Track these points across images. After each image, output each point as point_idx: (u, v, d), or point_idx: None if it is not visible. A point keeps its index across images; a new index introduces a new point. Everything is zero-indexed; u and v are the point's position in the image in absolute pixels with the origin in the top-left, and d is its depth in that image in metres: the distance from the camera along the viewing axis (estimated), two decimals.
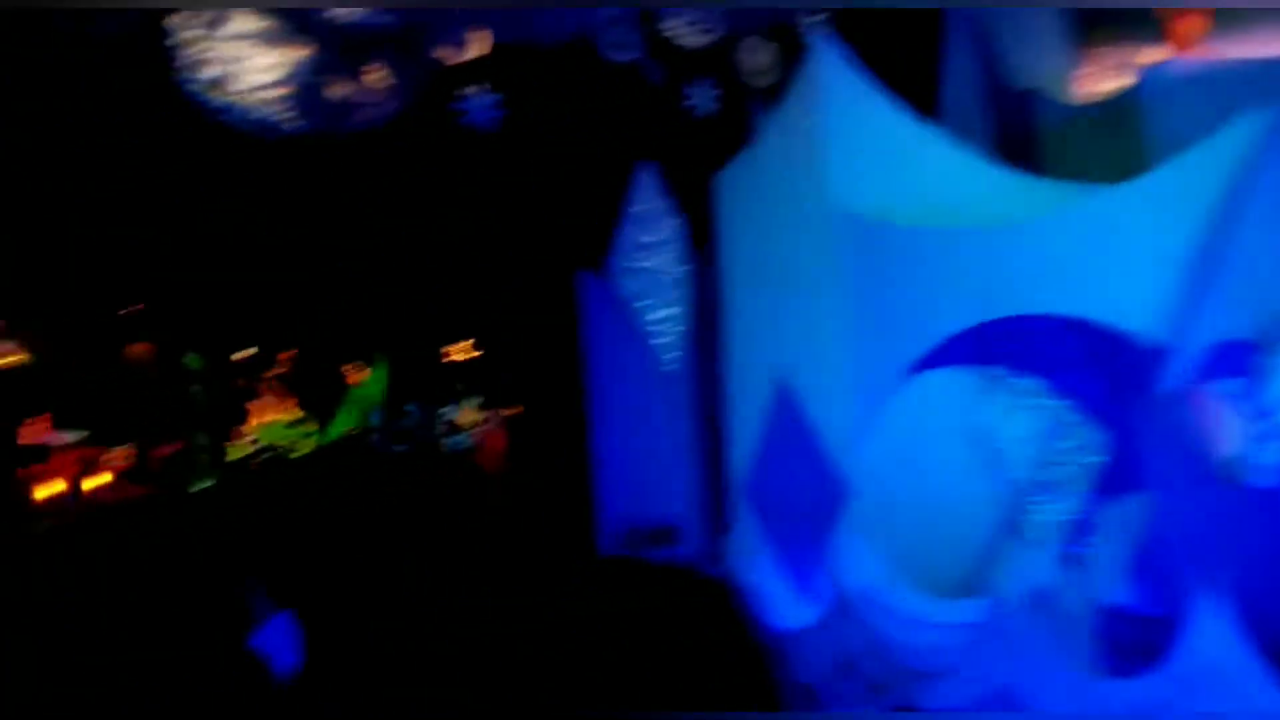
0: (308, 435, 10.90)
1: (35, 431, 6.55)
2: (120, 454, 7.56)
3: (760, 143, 5.02)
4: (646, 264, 5.21)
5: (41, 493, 6.14)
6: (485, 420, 9.63)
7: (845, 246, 4.46)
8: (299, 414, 10.98)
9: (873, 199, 4.45)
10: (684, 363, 5.34)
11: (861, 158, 4.49)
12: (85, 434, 7.00)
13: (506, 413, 8.34)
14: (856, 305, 4.44)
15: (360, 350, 10.58)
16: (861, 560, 4.32)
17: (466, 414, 10.43)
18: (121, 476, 7.19)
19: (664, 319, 5.25)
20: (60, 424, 6.87)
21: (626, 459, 5.41)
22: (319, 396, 11.03)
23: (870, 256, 4.44)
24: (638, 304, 5.25)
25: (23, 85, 4.78)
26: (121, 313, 7.79)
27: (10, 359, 6.55)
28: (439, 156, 5.10)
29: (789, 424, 4.64)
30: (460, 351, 10.03)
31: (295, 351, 10.48)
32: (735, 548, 4.92)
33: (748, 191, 5.05)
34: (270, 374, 10.55)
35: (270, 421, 10.65)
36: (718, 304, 5.14)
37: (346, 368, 10.83)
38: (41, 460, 6.33)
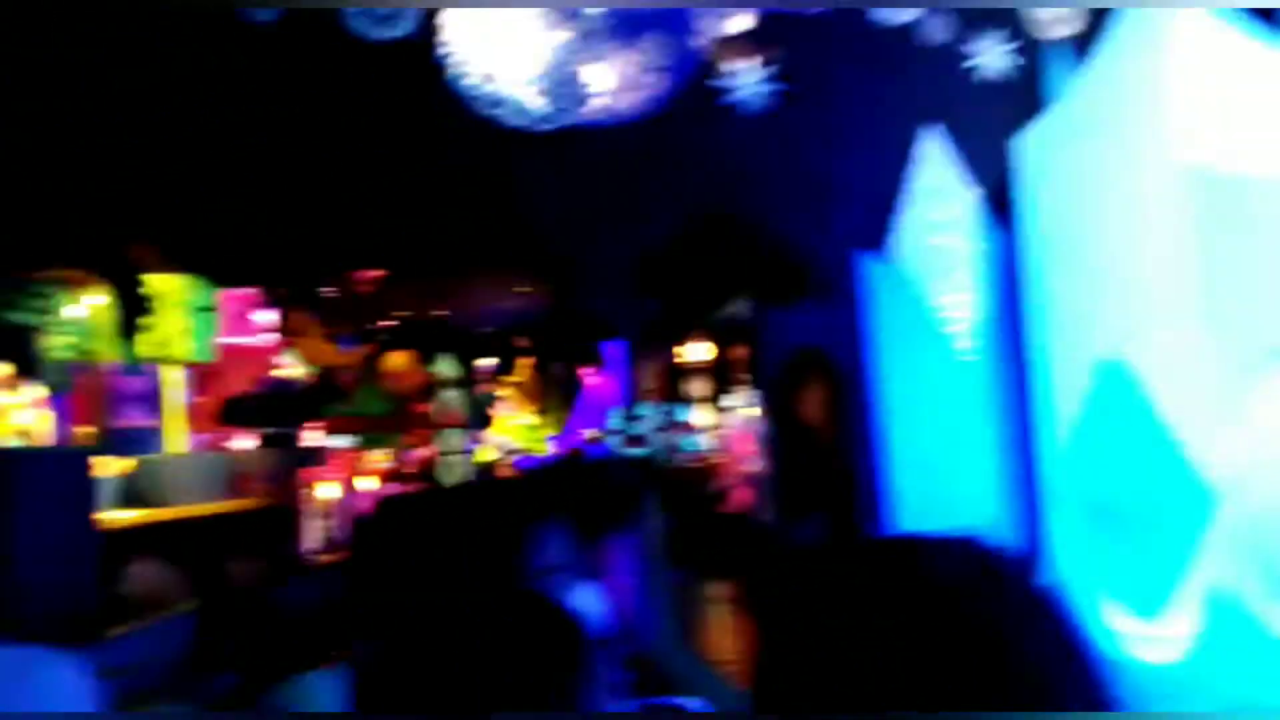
0: (546, 438, 11.00)
1: (314, 438, 6.87)
2: (383, 456, 7.84)
3: (1069, 97, 4.38)
4: (937, 242, 4.66)
5: (323, 493, 6.43)
6: (727, 421, 9.31)
7: (1193, 205, 3.77)
8: (538, 419, 11.09)
9: (1228, 145, 3.75)
10: (983, 352, 4.75)
11: (1211, 98, 3.79)
12: (357, 440, 7.31)
13: (754, 413, 7.97)
14: (1210, 274, 3.74)
15: (596, 350, 10.54)
16: (1238, 584, 3.60)
17: (703, 414, 10.14)
18: (387, 479, 7.43)
19: (958, 303, 4.68)
20: (332, 431, 7.17)
21: (915, 463, 4.89)
22: (556, 400, 11.09)
23: (1226, 214, 3.74)
24: (928, 287, 4.72)
25: (296, 93, 4.86)
26: (380, 324, 8.12)
27: (294, 372, 6.94)
28: (707, 140, 4.79)
29: (1125, 418, 3.97)
30: (699, 350, 9.78)
31: (534, 358, 10.60)
32: (1056, 566, 4.30)
33: (1056, 154, 4.41)
34: (510, 379, 10.73)
35: (511, 425, 10.81)
36: (1023, 284, 4.52)
37: (583, 370, 10.82)
38: (320, 464, 6.62)
